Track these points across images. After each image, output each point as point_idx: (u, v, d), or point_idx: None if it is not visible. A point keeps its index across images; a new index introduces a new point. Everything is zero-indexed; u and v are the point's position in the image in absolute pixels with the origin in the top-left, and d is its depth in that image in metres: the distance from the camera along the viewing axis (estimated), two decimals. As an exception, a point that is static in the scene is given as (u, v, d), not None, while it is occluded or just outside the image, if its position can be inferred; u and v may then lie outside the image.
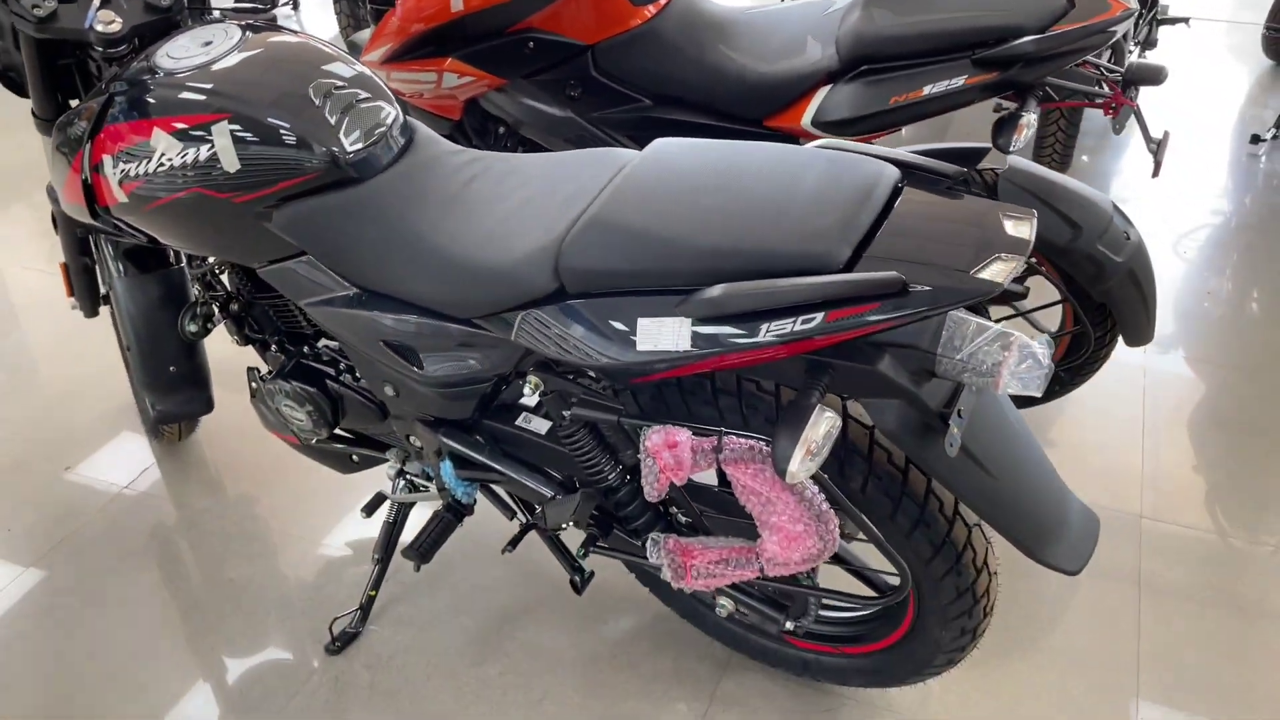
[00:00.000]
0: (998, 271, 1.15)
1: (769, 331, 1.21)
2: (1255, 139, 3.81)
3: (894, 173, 1.30)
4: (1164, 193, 3.56)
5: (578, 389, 1.47)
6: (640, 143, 2.27)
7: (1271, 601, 2.02)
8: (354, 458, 1.95)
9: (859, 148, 1.38)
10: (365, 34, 2.53)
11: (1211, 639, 1.95)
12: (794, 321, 1.19)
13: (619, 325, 1.29)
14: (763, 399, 1.46)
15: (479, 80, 2.26)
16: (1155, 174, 2.02)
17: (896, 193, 1.29)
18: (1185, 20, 3.68)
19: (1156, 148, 2.01)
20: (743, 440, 1.35)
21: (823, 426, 1.24)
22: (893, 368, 1.27)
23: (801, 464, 1.22)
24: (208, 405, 2.12)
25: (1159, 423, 2.49)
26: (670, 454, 1.36)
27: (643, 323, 1.28)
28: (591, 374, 1.50)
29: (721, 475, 1.56)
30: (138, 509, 2.31)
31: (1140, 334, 2.11)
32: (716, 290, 1.21)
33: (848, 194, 1.26)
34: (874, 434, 1.45)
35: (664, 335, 1.27)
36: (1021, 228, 1.20)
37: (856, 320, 1.17)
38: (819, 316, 1.18)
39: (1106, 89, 2.05)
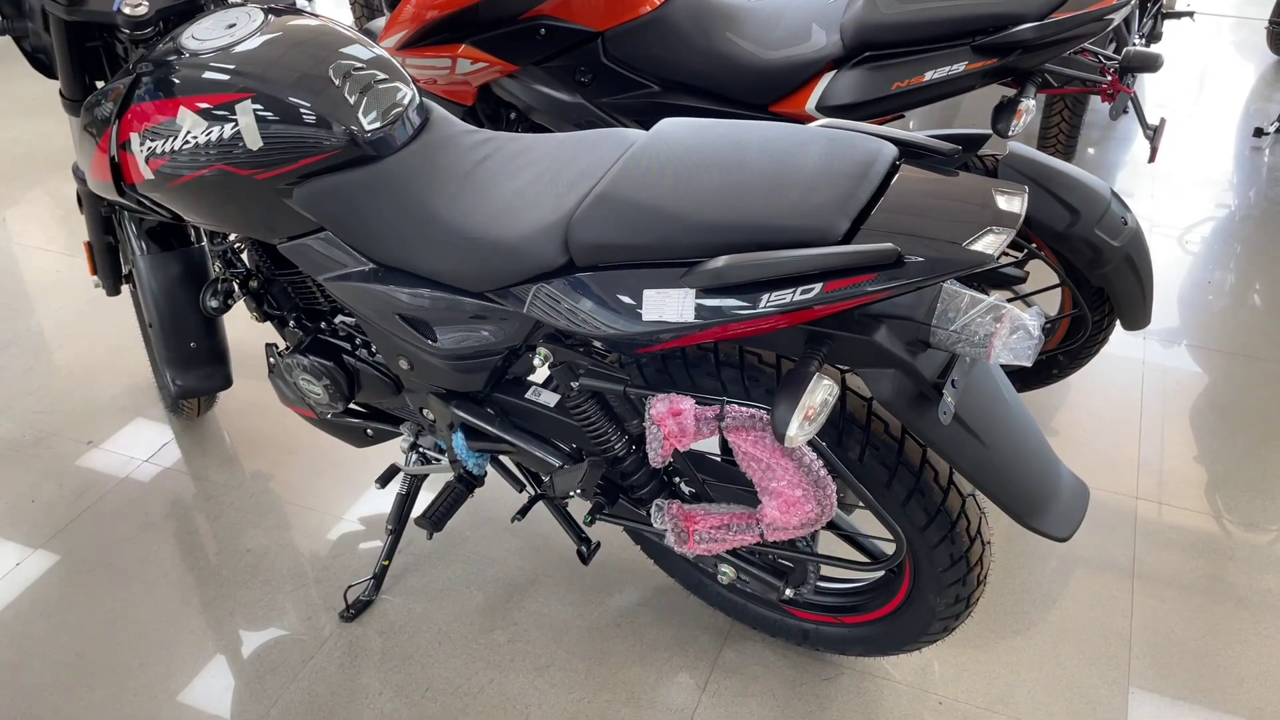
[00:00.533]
0: (990, 244, 1.20)
1: (769, 302, 1.26)
2: (1259, 132, 3.84)
3: (891, 150, 1.35)
4: (1167, 185, 3.60)
5: (586, 360, 1.53)
6: (648, 127, 2.32)
7: (1263, 586, 2.06)
8: (368, 431, 2.00)
9: (859, 126, 1.43)
10: (380, 22, 2.59)
11: (1204, 621, 1.99)
12: (794, 292, 1.25)
13: (626, 297, 1.35)
14: (764, 371, 1.51)
15: (491, 66, 2.32)
16: (1151, 159, 2.07)
17: (894, 170, 1.34)
18: (1190, 14, 3.72)
19: (1153, 134, 2.06)
20: (744, 408, 1.41)
21: (820, 393, 1.29)
22: (889, 339, 1.32)
23: (800, 428, 1.27)
24: (227, 380, 2.18)
25: (1157, 409, 2.53)
26: (674, 421, 1.41)
27: (649, 294, 1.33)
28: (599, 345, 1.55)
29: (724, 445, 1.62)
30: (157, 482, 2.38)
31: (1137, 318, 2.15)
32: (720, 262, 1.27)
33: (847, 170, 1.31)
34: (871, 405, 1.50)
35: (669, 306, 1.32)
36: (1013, 202, 1.25)
37: (853, 290, 1.22)
38: (817, 287, 1.23)
39: (1104, 75, 2.09)
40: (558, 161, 1.55)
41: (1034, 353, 1.28)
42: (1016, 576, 2.08)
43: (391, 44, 2.38)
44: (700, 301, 1.30)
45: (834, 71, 2.08)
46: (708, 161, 1.38)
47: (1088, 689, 1.86)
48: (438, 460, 1.96)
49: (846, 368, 1.48)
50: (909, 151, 1.39)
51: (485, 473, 1.86)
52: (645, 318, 1.34)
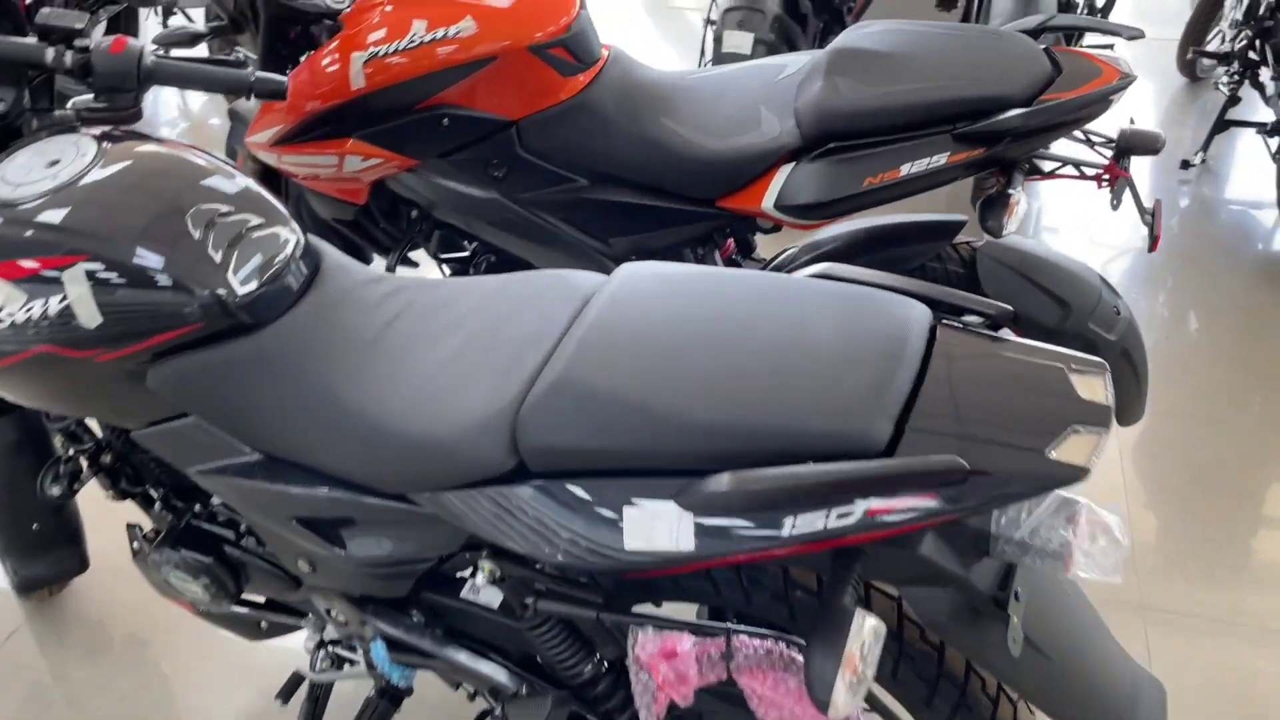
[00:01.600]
0: (1078, 451, 0.93)
1: (794, 528, 0.97)
2: (1185, 164, 3.75)
3: (925, 314, 1.07)
4: (1098, 225, 3.47)
5: (544, 578, 1.21)
6: (576, 224, 2.01)
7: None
8: (263, 625, 1.64)
9: (872, 278, 1.15)
10: (253, 105, 2.21)
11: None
12: (826, 516, 0.96)
13: (604, 512, 1.04)
14: (766, 571, 1.22)
15: (387, 162, 1.98)
16: (1152, 249, 1.85)
17: (930, 338, 1.06)
18: (1110, 46, 3.59)
19: (1151, 219, 1.84)
20: (757, 640, 1.11)
21: (867, 635, 0.99)
22: (938, 551, 1.05)
23: (848, 691, 0.97)
24: (81, 564, 1.79)
25: (1137, 486, 2.35)
26: (669, 666, 1.10)
27: (630, 513, 1.03)
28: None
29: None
30: (4, 684, 1.95)
31: (1132, 413, 1.95)
32: (724, 482, 0.97)
33: (875, 346, 1.03)
34: (901, 605, 1.22)
35: (659, 531, 1.02)
36: (1095, 388, 0.98)
37: (907, 516, 0.94)
38: (858, 510, 0.95)
39: (1100, 157, 1.87)
40: (491, 320, 1.23)
41: (1121, 565, 1.01)
42: None
43: (265, 139, 2.01)
44: (700, 521, 1.00)
45: (793, 164, 1.79)
46: (691, 334, 1.08)
47: None
48: (353, 661, 1.61)
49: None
50: (939, 307, 1.12)
51: (413, 681, 1.52)
52: (628, 545, 1.03)
